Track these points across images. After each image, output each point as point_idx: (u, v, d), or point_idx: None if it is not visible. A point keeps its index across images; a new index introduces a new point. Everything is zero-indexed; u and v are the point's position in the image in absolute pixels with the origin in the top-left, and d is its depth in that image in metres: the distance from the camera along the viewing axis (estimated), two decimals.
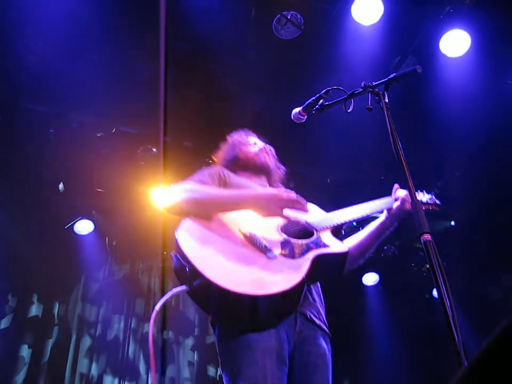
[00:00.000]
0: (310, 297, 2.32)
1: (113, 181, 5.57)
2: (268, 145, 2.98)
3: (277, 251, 2.14)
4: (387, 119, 2.02)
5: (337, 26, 4.79)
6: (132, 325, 6.14)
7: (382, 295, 7.18)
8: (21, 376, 5.38)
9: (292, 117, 2.65)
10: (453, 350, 1.46)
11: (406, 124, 5.19)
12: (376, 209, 2.61)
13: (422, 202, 2.78)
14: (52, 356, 5.62)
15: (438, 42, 4.79)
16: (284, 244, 2.19)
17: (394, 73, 2.16)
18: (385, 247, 6.85)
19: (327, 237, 2.33)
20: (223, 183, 2.56)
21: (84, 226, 5.93)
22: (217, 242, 2.14)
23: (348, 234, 2.70)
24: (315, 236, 2.29)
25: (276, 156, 3.00)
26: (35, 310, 5.83)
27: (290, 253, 2.16)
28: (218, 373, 6.17)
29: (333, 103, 2.41)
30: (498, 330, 0.82)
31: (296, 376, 2.13)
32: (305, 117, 2.65)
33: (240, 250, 2.12)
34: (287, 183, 3.01)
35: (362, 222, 2.74)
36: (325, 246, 2.25)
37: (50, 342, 5.69)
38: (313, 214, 2.47)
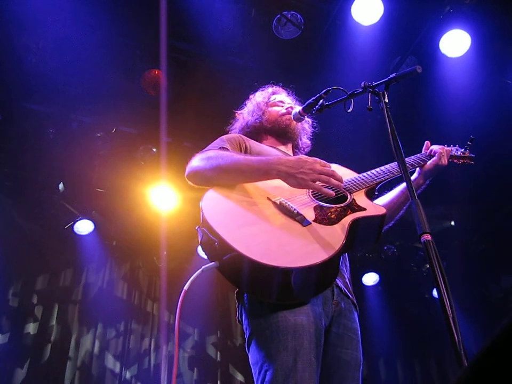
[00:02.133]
0: (341, 268, 2.19)
1: (113, 181, 5.57)
2: (298, 104, 2.77)
3: (311, 217, 2.01)
4: (387, 119, 2.02)
5: (337, 26, 4.79)
6: (132, 325, 6.14)
7: (382, 295, 7.18)
8: (20, 377, 5.38)
9: (292, 116, 2.65)
10: (453, 350, 1.46)
11: (406, 123, 5.19)
12: (411, 166, 2.51)
13: (456, 156, 2.76)
14: (52, 356, 5.61)
15: (438, 42, 4.79)
16: (317, 210, 2.06)
17: (394, 73, 2.16)
18: (385, 247, 6.86)
19: (361, 199, 2.18)
20: (244, 152, 2.39)
21: (84, 226, 5.92)
22: (245, 212, 1.99)
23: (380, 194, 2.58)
24: (349, 198, 2.16)
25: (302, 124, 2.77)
26: (35, 310, 5.82)
27: (325, 218, 2.02)
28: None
29: (333, 103, 2.41)
30: (499, 330, 0.82)
31: (330, 350, 2.04)
32: (305, 116, 2.65)
33: (271, 219, 1.97)
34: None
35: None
36: (360, 209, 2.11)
37: (50, 343, 5.68)
38: (344, 176, 2.30)
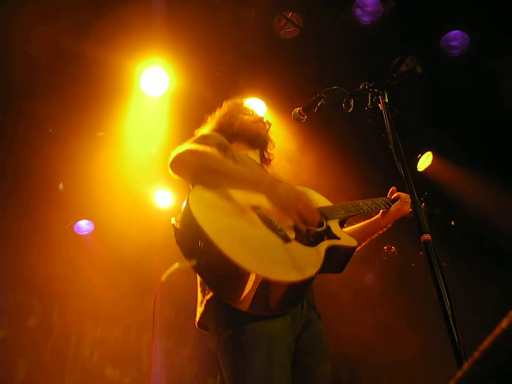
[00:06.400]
0: None
1: (113, 181, 5.57)
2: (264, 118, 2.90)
3: (292, 236, 2.05)
4: (386, 119, 2.02)
5: (337, 26, 4.79)
6: (133, 326, 6.14)
7: (382, 295, 7.18)
8: (20, 377, 5.38)
9: (292, 116, 2.66)
10: (453, 350, 1.46)
11: (405, 123, 5.19)
12: (376, 207, 2.61)
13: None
14: (52, 357, 5.62)
15: (438, 42, 4.80)
16: (298, 229, 2.10)
17: (394, 73, 2.17)
18: (385, 247, 6.86)
19: (336, 228, 2.28)
20: (224, 152, 2.41)
21: (84, 226, 5.93)
22: (231, 216, 2.00)
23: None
24: (325, 225, 2.23)
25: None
26: (35, 311, 5.82)
27: (305, 239, 2.08)
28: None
29: (333, 103, 2.41)
30: (498, 330, 0.82)
31: (298, 358, 2.09)
32: (305, 116, 2.66)
33: (256, 229, 1.99)
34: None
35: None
36: (335, 237, 2.20)
37: (49, 343, 5.68)
38: (319, 202, 2.41)
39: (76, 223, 5.87)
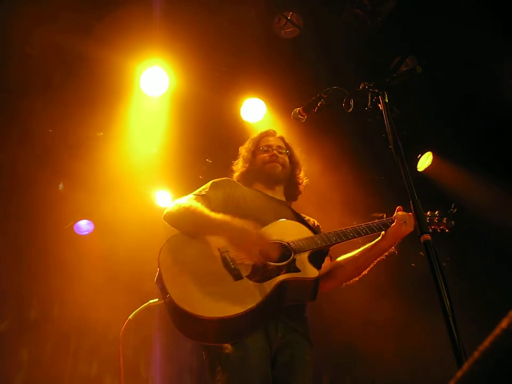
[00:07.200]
0: (290, 306, 2.38)
1: (113, 181, 5.57)
2: (283, 147, 2.96)
3: (245, 273, 2.19)
4: (386, 119, 2.02)
5: (337, 26, 4.78)
6: (132, 326, 6.13)
7: (382, 295, 7.17)
8: (20, 378, 5.38)
9: (292, 116, 2.67)
10: (453, 351, 1.46)
11: (405, 124, 5.19)
12: (370, 231, 2.59)
13: (430, 222, 2.80)
14: (51, 357, 5.62)
15: (437, 42, 4.79)
16: (256, 266, 2.22)
17: (394, 73, 2.16)
18: None
19: (302, 260, 2.33)
20: (227, 196, 2.62)
21: (83, 226, 5.93)
22: (193, 262, 2.24)
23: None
24: (291, 258, 2.30)
25: (294, 160, 2.98)
26: (34, 310, 5.82)
27: (259, 275, 2.20)
28: None
29: (333, 103, 2.42)
30: (498, 330, 0.82)
31: (278, 376, 2.23)
32: (305, 116, 2.66)
33: (211, 271, 2.20)
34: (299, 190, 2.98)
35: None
36: (295, 270, 2.27)
37: (49, 344, 5.68)
38: (299, 234, 2.47)
39: (76, 223, 5.86)
